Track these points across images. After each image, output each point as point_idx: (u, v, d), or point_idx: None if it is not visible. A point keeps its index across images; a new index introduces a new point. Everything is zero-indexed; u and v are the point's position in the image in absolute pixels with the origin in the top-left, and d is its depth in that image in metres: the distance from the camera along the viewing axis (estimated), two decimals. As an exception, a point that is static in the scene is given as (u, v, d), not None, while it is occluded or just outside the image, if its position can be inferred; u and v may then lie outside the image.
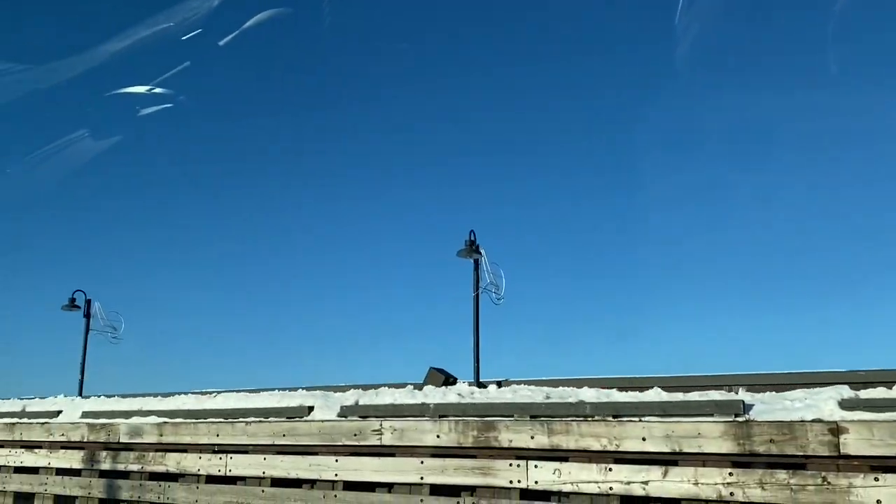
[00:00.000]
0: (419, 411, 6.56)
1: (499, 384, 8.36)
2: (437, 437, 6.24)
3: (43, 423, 9.19)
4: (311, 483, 7.03)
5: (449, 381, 8.75)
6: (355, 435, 6.69)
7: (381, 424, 6.56)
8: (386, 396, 6.92)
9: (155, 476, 7.98)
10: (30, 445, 9.26)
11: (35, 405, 10.02)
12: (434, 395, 6.68)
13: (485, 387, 7.05)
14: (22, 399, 10.57)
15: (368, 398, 7.01)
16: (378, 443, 6.55)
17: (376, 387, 7.50)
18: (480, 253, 11.91)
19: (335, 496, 6.67)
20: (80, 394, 14.78)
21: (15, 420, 9.61)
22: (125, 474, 8.25)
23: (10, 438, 9.45)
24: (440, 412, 6.43)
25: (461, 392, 6.56)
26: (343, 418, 6.94)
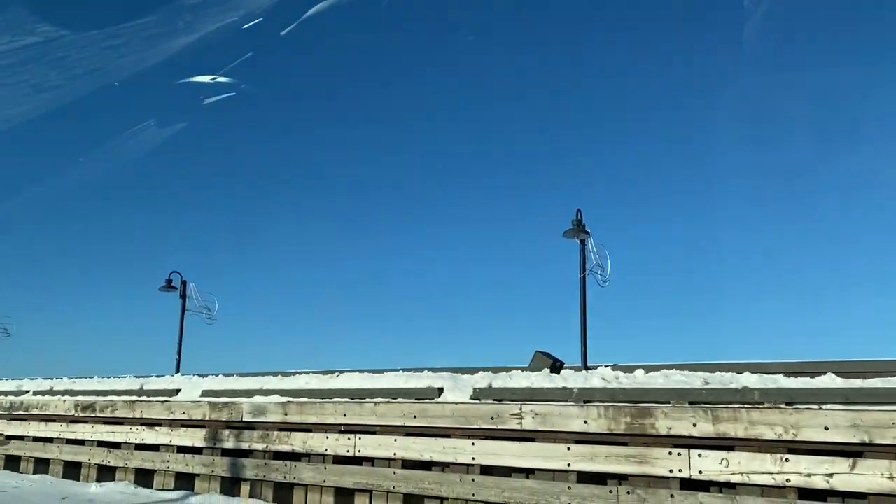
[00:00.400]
0: (560, 396, 6.32)
1: (612, 368, 8.06)
2: (585, 422, 5.99)
3: (163, 402, 9.33)
4: (444, 466, 6.90)
5: (556, 365, 8.50)
6: (492, 418, 6.50)
7: (520, 408, 6.35)
8: (521, 380, 6.70)
9: (280, 455, 7.98)
10: (150, 423, 9.41)
11: (152, 383, 10.19)
12: (575, 379, 6.43)
13: (627, 370, 6.74)
14: (139, 377, 10.79)
15: (502, 381, 6.81)
16: (518, 427, 6.35)
17: (507, 369, 7.29)
18: (588, 233, 11.59)
19: (472, 480, 6.50)
20: (178, 372, 15.12)
21: (134, 398, 9.79)
22: (249, 453, 8.29)
23: (131, 416, 9.63)
24: (584, 397, 6.18)
25: (605, 376, 6.29)
26: (477, 401, 6.76)
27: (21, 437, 11.18)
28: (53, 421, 10.74)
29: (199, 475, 8.75)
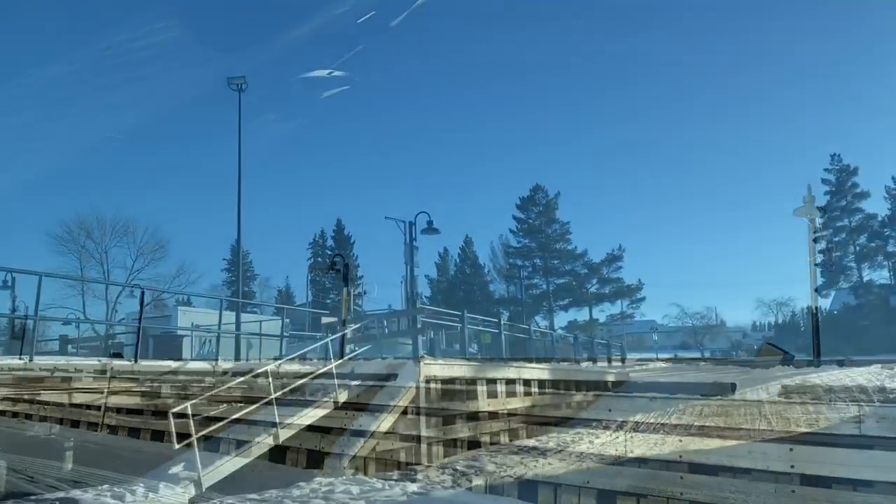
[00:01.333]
0: (908, 397, 5.37)
1: (839, 363, 7.02)
2: (957, 431, 5.02)
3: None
4: (734, 472, 6.07)
5: (786, 357, 7.58)
6: (816, 421, 5.61)
7: (859, 411, 5.43)
8: (839, 376, 5.77)
9: (524, 450, 7.38)
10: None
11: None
12: (922, 377, 5.44)
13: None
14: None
15: (817, 377, 5.90)
16: (856, 432, 5.43)
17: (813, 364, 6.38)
18: (824, 210, 10.45)
19: (792, 491, 5.64)
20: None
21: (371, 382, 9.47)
22: (484, 444, 7.75)
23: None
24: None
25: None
26: (789, 399, 5.89)
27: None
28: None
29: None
